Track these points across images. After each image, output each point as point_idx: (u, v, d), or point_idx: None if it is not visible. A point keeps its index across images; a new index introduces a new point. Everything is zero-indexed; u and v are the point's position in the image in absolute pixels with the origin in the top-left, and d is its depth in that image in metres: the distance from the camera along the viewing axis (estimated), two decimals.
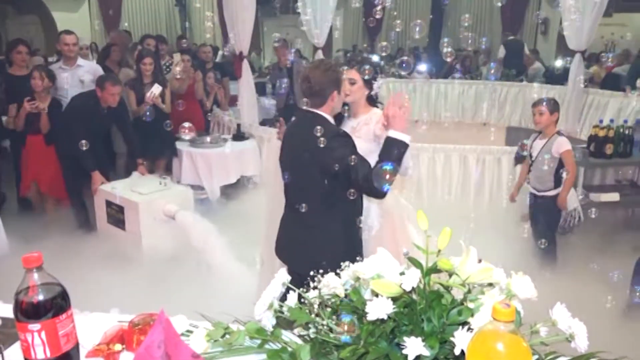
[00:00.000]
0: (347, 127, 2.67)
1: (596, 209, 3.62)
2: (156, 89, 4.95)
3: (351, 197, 2.34)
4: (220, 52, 10.97)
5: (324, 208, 2.39)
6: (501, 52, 10.54)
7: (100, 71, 5.18)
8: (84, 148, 3.88)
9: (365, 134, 2.64)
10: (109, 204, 4.30)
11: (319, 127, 2.25)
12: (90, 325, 1.39)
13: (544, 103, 3.82)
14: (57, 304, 1.13)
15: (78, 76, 5.05)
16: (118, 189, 4.25)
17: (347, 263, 1.25)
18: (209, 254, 3.83)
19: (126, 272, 3.63)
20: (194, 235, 3.93)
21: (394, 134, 2.19)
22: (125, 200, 4.14)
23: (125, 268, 3.70)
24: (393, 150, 2.18)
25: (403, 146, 2.19)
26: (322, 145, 2.23)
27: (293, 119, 2.63)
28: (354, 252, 2.29)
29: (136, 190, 4.21)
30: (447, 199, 4.79)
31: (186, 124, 3.21)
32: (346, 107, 2.70)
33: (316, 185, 2.36)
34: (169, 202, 4.16)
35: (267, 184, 3.23)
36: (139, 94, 5.05)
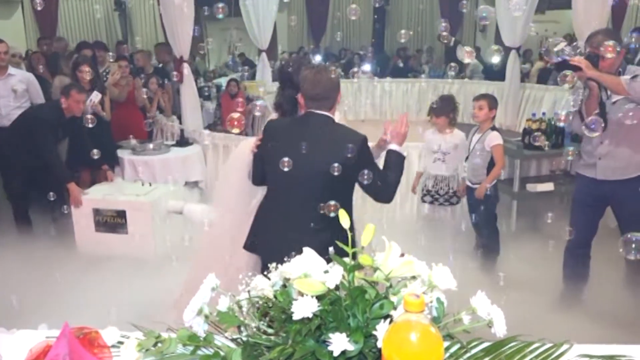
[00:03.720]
0: None
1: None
2: (95, 96, 4.83)
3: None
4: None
5: (320, 215, 2.24)
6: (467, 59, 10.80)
7: (33, 80, 5.01)
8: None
9: None
10: (99, 212, 4.24)
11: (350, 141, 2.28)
12: (17, 343, 1.35)
13: (485, 98, 3.98)
14: None
15: (10, 85, 4.86)
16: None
17: (274, 264, 1.26)
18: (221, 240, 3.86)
19: (133, 275, 3.65)
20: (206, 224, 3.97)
21: (396, 147, 2.45)
22: (131, 203, 4.19)
23: (129, 271, 3.72)
24: (398, 162, 2.46)
25: (403, 158, 2.49)
26: (352, 153, 2.26)
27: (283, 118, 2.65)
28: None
29: (129, 193, 4.31)
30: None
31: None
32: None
33: (319, 191, 2.31)
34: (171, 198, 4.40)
35: (215, 188, 3.22)
36: None
